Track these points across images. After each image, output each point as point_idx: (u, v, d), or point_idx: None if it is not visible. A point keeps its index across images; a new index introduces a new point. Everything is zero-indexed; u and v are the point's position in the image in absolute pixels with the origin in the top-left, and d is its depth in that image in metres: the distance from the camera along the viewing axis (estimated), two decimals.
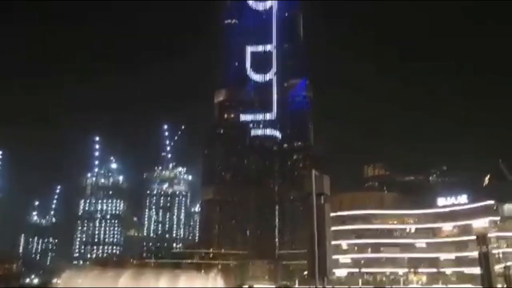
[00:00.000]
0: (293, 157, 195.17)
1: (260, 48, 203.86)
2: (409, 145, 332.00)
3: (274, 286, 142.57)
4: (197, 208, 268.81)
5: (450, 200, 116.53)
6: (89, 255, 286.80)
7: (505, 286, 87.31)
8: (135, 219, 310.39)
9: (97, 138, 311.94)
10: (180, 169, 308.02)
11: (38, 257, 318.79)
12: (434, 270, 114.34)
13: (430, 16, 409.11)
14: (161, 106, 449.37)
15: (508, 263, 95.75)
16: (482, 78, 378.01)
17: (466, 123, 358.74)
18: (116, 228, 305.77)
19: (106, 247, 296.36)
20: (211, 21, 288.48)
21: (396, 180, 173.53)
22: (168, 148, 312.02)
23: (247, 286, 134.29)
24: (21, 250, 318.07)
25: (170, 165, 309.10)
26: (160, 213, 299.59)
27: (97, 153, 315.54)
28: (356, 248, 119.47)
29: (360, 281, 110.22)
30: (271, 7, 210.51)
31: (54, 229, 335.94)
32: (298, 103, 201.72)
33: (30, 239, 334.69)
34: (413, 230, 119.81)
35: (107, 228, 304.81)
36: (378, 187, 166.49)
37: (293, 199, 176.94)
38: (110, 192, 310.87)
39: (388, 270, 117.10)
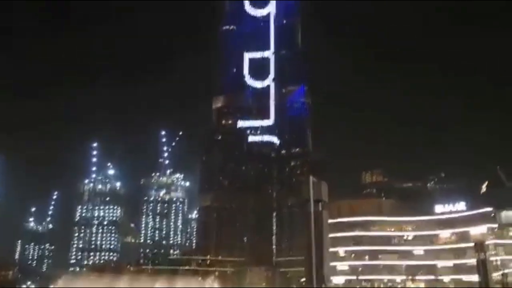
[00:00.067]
0: (291, 163, 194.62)
1: (258, 54, 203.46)
2: (407, 152, 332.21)
3: None
4: (194, 215, 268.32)
5: (448, 207, 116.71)
6: (86, 262, 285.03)
7: None
8: (132, 225, 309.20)
9: (94, 144, 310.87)
10: (177, 175, 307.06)
11: (34, 264, 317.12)
12: (432, 277, 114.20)
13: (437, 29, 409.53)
14: (159, 112, 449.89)
15: (506, 270, 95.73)
16: (480, 87, 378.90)
17: (464, 130, 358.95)
18: (113, 235, 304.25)
19: (103, 254, 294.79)
20: (209, 28, 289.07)
21: (394, 186, 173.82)
22: (166, 154, 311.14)
23: None
24: (17, 256, 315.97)
25: (168, 172, 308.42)
26: (157, 220, 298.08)
27: (94, 159, 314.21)
28: (353, 255, 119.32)
29: None
30: (269, 14, 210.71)
31: (51, 235, 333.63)
32: (296, 109, 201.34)
33: (27, 246, 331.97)
34: (411, 237, 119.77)
35: (104, 235, 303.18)
36: (376, 193, 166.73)
37: (291, 205, 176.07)
38: (107, 198, 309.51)
39: (386, 277, 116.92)
